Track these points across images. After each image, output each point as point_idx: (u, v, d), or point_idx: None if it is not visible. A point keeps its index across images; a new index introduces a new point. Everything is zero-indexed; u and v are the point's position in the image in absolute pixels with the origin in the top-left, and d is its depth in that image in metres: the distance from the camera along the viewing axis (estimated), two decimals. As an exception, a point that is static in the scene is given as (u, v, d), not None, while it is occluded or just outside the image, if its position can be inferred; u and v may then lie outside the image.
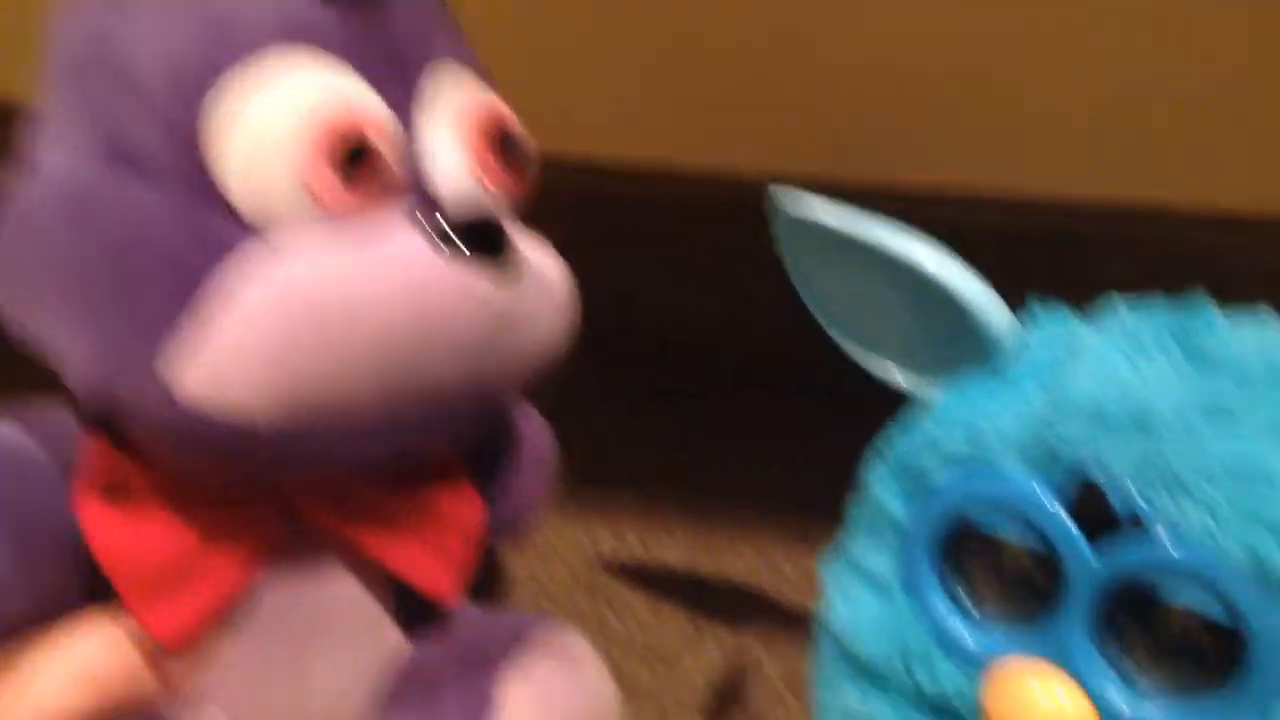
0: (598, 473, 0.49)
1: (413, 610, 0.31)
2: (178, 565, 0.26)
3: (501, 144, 0.28)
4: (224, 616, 0.27)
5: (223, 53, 0.24)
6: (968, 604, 0.25)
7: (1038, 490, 0.23)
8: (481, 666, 0.30)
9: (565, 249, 0.30)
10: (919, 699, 0.25)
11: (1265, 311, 0.25)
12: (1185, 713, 0.22)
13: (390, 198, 0.26)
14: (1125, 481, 0.22)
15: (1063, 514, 0.23)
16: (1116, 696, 0.23)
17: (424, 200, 0.26)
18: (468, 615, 0.32)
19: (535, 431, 0.36)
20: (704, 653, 0.39)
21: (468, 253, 0.25)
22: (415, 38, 0.27)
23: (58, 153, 0.25)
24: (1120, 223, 0.51)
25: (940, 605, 0.25)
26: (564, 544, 0.45)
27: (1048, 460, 0.23)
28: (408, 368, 0.25)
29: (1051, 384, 0.24)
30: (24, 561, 0.25)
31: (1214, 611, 0.22)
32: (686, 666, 0.39)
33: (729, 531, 0.45)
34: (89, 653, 0.26)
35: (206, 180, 0.24)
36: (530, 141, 0.29)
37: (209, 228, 0.24)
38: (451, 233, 0.25)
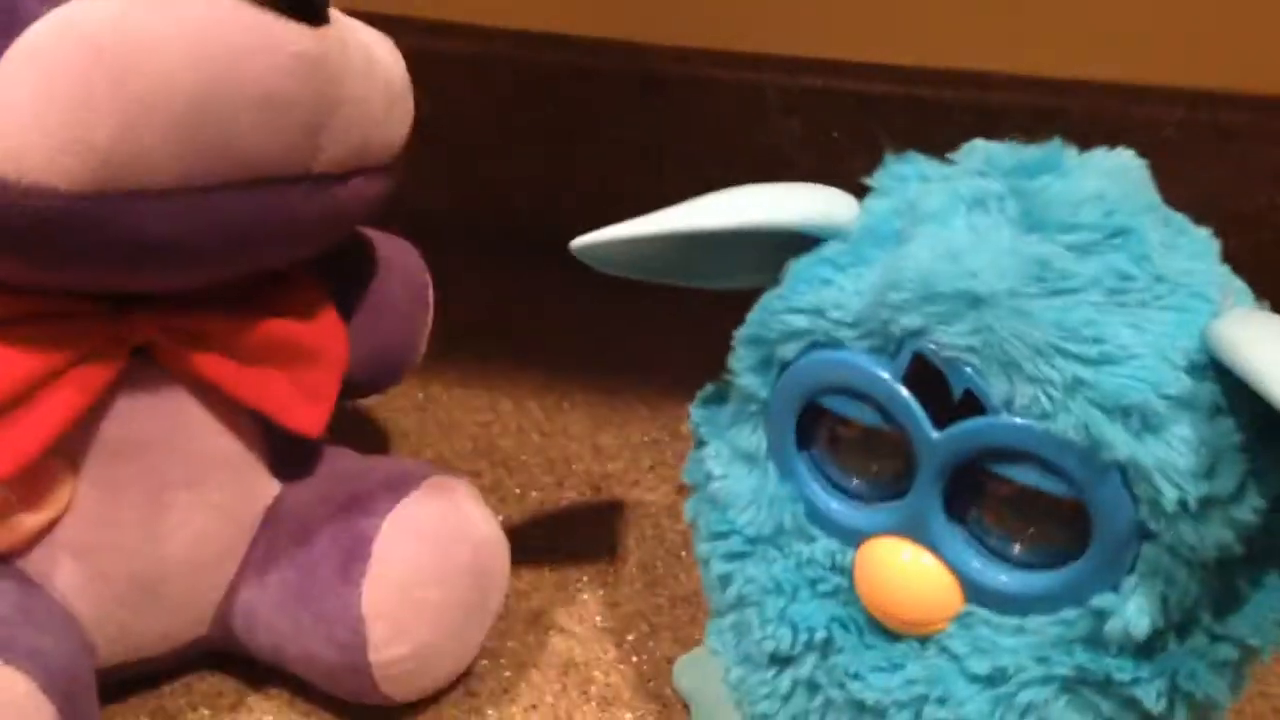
0: (499, 343, 0.50)
1: (284, 451, 0.31)
2: (10, 392, 0.25)
3: None
4: (65, 451, 0.27)
5: None
6: (838, 478, 0.26)
7: (876, 368, 0.23)
8: (358, 506, 0.30)
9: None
10: (800, 569, 0.26)
11: (1119, 157, 0.24)
12: (1038, 580, 0.23)
13: None
14: (959, 360, 0.22)
15: (902, 392, 0.23)
16: (973, 565, 0.23)
17: None
18: (345, 457, 0.32)
19: (408, 264, 0.35)
20: (606, 518, 0.41)
21: (274, 4, 0.24)
22: None
23: None
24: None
25: (810, 482, 0.26)
26: (465, 413, 0.45)
27: (885, 338, 0.23)
28: (212, 118, 0.24)
29: (890, 257, 0.23)
30: None
31: (1055, 487, 0.22)
32: (587, 534, 0.40)
33: (629, 398, 0.45)
34: None
35: None
36: None
37: None
38: None
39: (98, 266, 0.25)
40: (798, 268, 0.25)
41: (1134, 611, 0.22)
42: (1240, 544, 0.21)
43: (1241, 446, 0.21)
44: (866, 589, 0.25)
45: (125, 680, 0.31)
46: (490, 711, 0.32)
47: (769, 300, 0.25)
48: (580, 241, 0.27)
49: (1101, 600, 0.22)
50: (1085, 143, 0.25)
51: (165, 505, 0.29)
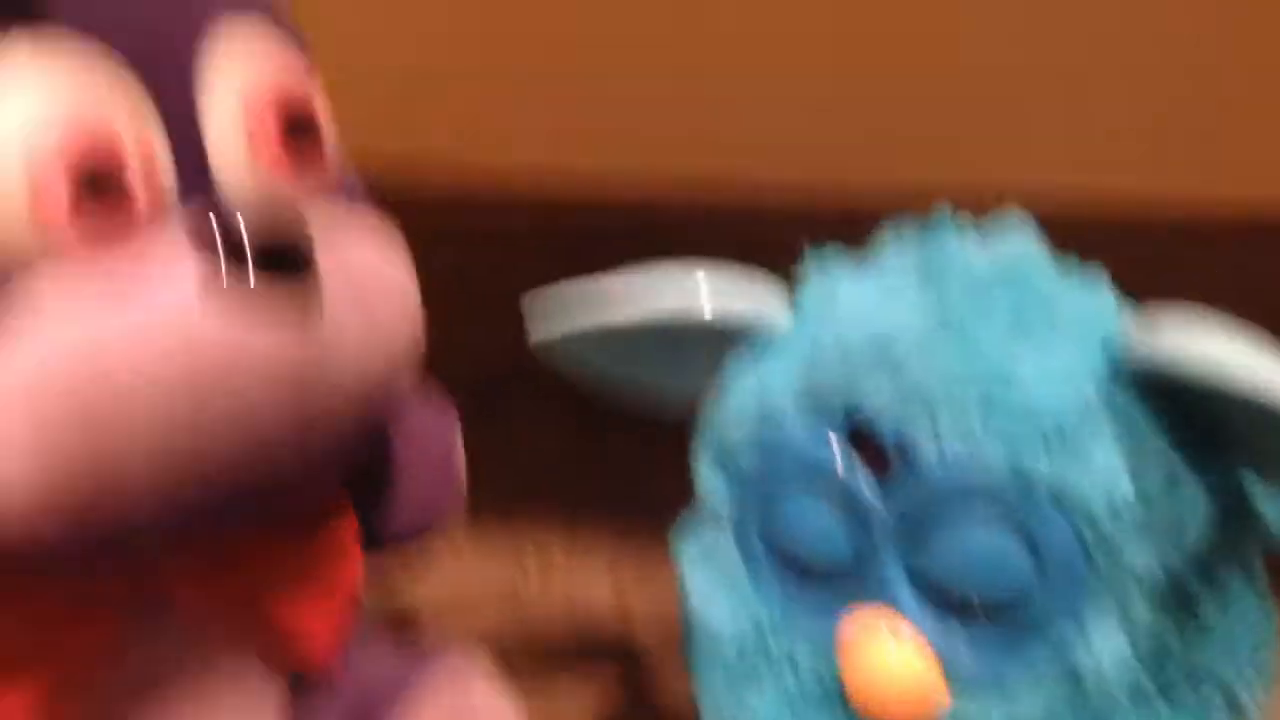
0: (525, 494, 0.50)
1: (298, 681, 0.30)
2: (10, 666, 0.24)
3: (293, 128, 0.24)
4: (71, 702, 0.25)
5: None
6: (809, 576, 0.25)
7: (815, 444, 0.24)
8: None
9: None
10: (785, 685, 0.25)
11: (1015, 222, 0.25)
12: (1007, 635, 0.22)
13: (157, 217, 0.22)
14: (884, 415, 0.23)
15: (840, 462, 0.24)
16: (935, 630, 0.23)
17: (204, 227, 0.22)
18: (355, 663, 0.31)
19: (430, 426, 0.33)
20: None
21: (253, 288, 0.22)
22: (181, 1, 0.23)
23: None
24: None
25: (782, 584, 0.25)
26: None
27: (820, 412, 0.24)
28: (190, 440, 0.22)
29: (815, 336, 0.25)
30: None
31: (999, 527, 0.22)
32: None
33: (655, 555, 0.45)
34: None
35: None
36: (327, 115, 0.25)
37: None
38: (234, 266, 0.22)
39: (88, 563, 0.24)
40: (737, 368, 0.26)
41: (1107, 658, 0.21)
42: (1191, 564, 0.21)
43: (1171, 465, 0.21)
44: (853, 686, 0.24)
45: None
46: None
47: (716, 403, 0.27)
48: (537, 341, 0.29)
49: (1073, 656, 0.22)
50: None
51: None
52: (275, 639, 0.28)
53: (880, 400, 0.23)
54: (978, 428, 0.22)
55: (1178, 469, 0.21)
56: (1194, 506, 0.21)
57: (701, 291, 0.27)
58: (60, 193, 0.21)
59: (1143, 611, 0.21)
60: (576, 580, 0.45)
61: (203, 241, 0.22)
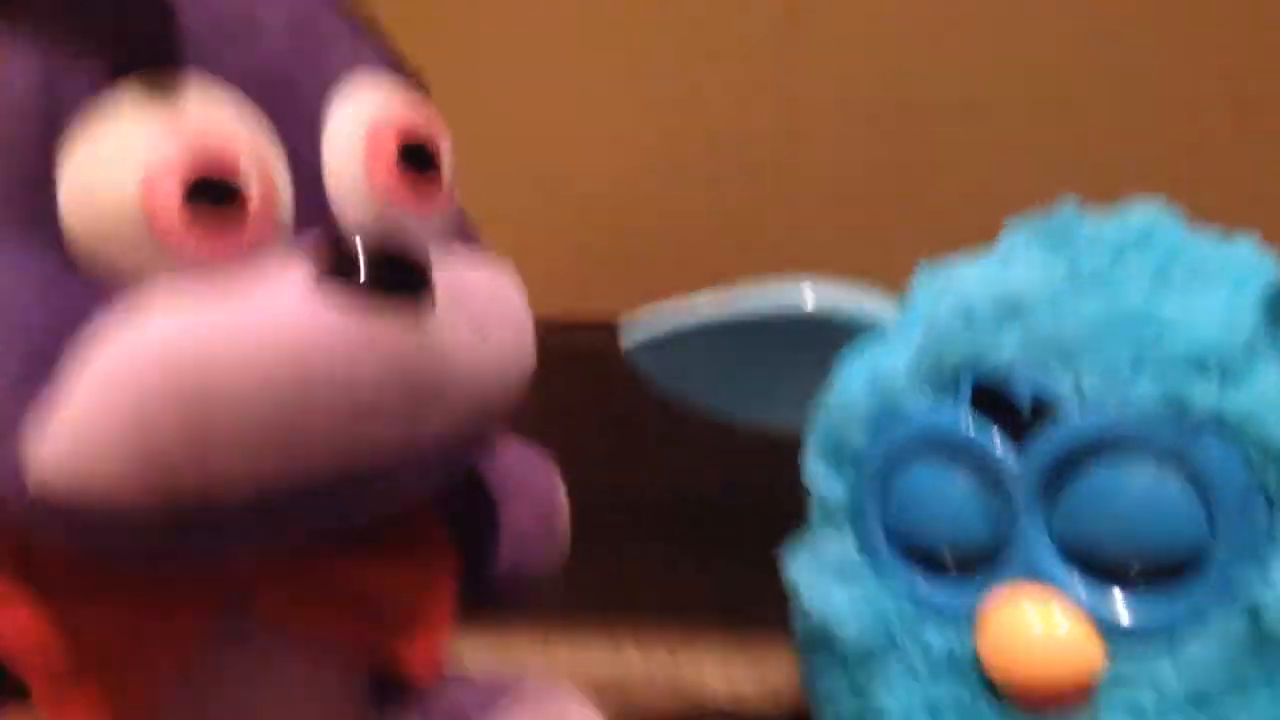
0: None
1: (388, 686, 0.28)
2: (94, 655, 0.23)
3: (410, 153, 0.24)
4: (155, 711, 0.24)
5: (67, 89, 0.21)
6: (938, 562, 0.24)
7: (941, 412, 0.23)
8: None
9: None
10: (916, 674, 0.23)
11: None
12: (1175, 597, 0.21)
13: (272, 240, 0.22)
14: (1015, 370, 0.22)
15: (969, 422, 0.22)
16: (1097, 599, 0.21)
17: (318, 239, 0.23)
18: (447, 682, 0.29)
19: (534, 478, 0.33)
20: None
21: (368, 291, 0.22)
22: (311, 50, 0.24)
23: None
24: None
25: (909, 570, 0.24)
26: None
27: (942, 379, 0.23)
28: (291, 431, 0.22)
29: (930, 315, 0.24)
30: None
31: (1159, 473, 0.20)
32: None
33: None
34: None
35: (53, 234, 0.22)
36: (446, 145, 0.26)
37: (59, 290, 0.21)
38: (346, 268, 0.22)
39: (185, 559, 0.24)
40: (847, 359, 0.25)
41: None
42: None
43: None
44: (997, 662, 0.22)
45: None
46: None
47: (827, 396, 0.26)
48: (635, 334, 0.28)
49: (1249, 588, 0.20)
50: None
51: None
52: (362, 656, 0.27)
53: (1011, 355, 0.22)
54: (1125, 369, 0.21)
55: None
56: None
57: (804, 290, 0.27)
58: (174, 202, 0.21)
59: None
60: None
61: (316, 250, 0.22)
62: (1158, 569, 0.21)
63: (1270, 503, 0.20)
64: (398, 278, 0.22)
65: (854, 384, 0.25)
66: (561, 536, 0.33)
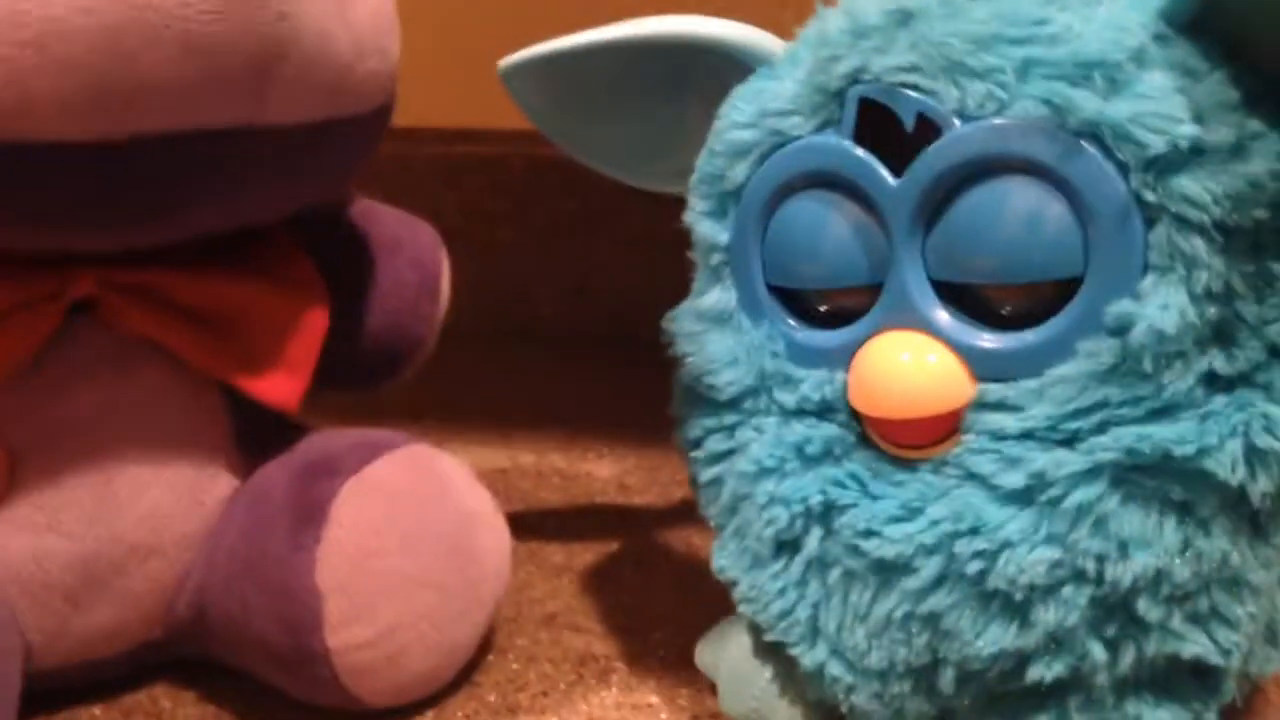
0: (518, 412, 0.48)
1: (255, 428, 0.28)
2: None
3: None
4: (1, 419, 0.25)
5: None
6: (815, 308, 0.23)
7: (825, 137, 0.21)
8: (320, 468, 0.27)
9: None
10: (785, 417, 0.22)
11: None
12: (1050, 326, 0.19)
13: None
14: (902, 84, 0.20)
15: (850, 147, 0.21)
16: (968, 335, 0.20)
17: None
18: (325, 433, 0.29)
19: (420, 244, 0.33)
20: (630, 534, 0.37)
21: None
22: None
23: None
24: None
25: (784, 316, 0.23)
26: (480, 461, 0.42)
27: (823, 100, 0.21)
28: (108, 62, 0.21)
29: (819, 32, 0.22)
30: None
31: (1039, 188, 0.19)
32: (608, 549, 0.36)
33: (658, 452, 0.42)
34: None
35: None
36: None
37: None
38: None
39: (8, 225, 0.23)
40: (734, 93, 0.23)
41: (1156, 308, 0.18)
42: (1259, 207, 0.18)
43: (1233, 105, 0.18)
44: (864, 402, 0.21)
45: (55, 691, 0.27)
46: (492, 698, 0.27)
47: (711, 135, 0.24)
48: (509, 60, 0.26)
49: (1119, 309, 0.19)
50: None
51: (115, 484, 0.26)
52: (224, 363, 0.26)
53: (898, 62, 0.20)
54: (1011, 81, 0.19)
55: (1244, 115, 0.18)
56: (1260, 144, 0.18)
57: (694, 19, 0.24)
58: None
59: (1208, 269, 0.18)
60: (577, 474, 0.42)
61: None
62: (1030, 308, 0.20)
63: (1147, 223, 0.18)
64: None
65: (738, 116, 0.23)
66: (439, 302, 0.33)
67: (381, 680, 0.26)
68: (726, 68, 0.24)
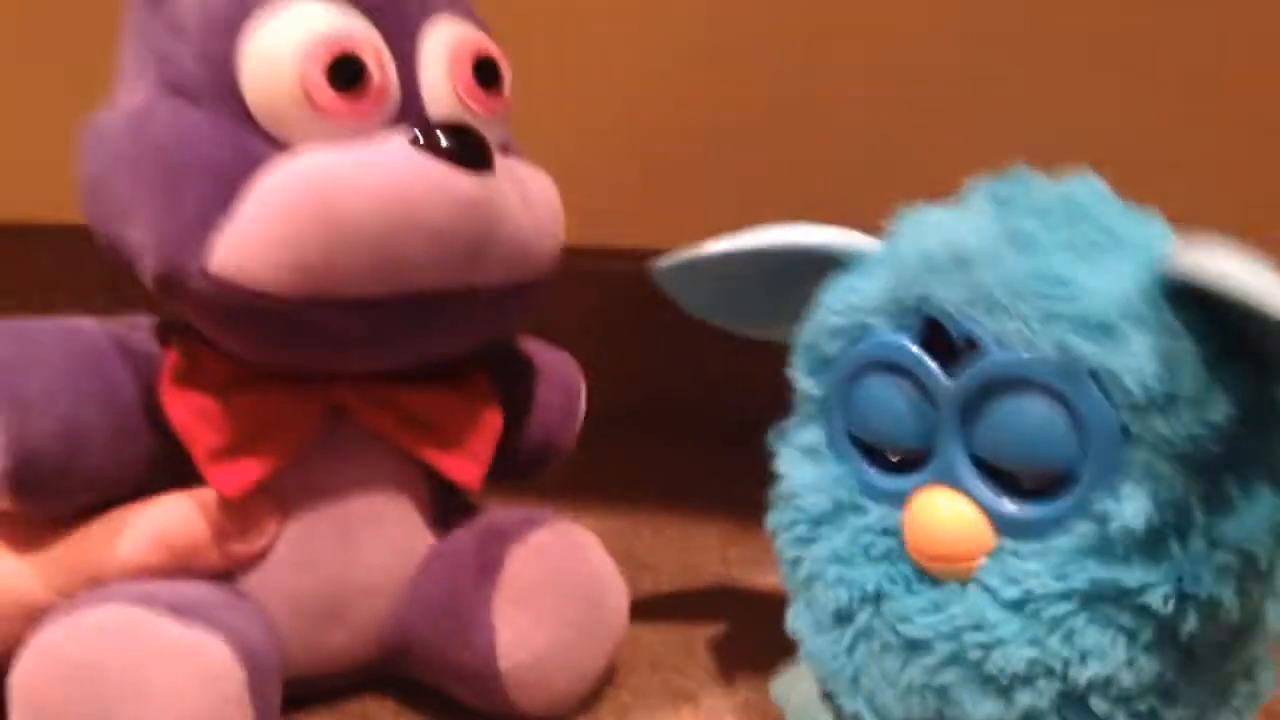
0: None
1: (448, 501, 0.37)
2: (240, 434, 0.32)
3: (481, 68, 0.33)
4: (274, 491, 0.33)
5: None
6: (883, 456, 0.30)
7: (897, 336, 0.29)
8: (497, 533, 0.36)
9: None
10: (855, 534, 0.30)
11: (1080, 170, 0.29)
12: (1051, 504, 0.26)
13: (384, 115, 0.31)
14: (957, 312, 0.27)
15: (915, 350, 0.28)
16: (996, 500, 0.27)
17: (414, 117, 0.32)
18: (494, 509, 0.38)
19: (564, 371, 0.42)
20: (732, 598, 0.45)
21: (448, 155, 0.30)
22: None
23: (127, 92, 0.32)
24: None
25: (860, 461, 0.30)
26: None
27: (900, 311, 0.29)
28: (393, 246, 0.30)
29: (898, 255, 0.29)
30: (104, 432, 0.31)
31: (1048, 405, 0.26)
32: (712, 607, 0.44)
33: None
34: (166, 518, 0.32)
35: (239, 103, 0.30)
36: (507, 70, 0.35)
37: (241, 141, 0.30)
38: (434, 138, 0.30)
39: (307, 351, 0.32)
40: (832, 284, 0.31)
41: (1131, 511, 0.25)
42: (1216, 443, 0.25)
43: (1202, 360, 0.25)
44: (913, 537, 0.28)
45: (293, 697, 0.35)
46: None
47: (813, 313, 0.31)
48: (663, 262, 0.34)
49: (1102, 506, 0.26)
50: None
51: (353, 540, 0.35)
52: (432, 452, 0.35)
53: (952, 298, 0.27)
54: (1036, 323, 0.26)
55: (1208, 364, 0.25)
56: (1226, 400, 0.25)
57: (801, 229, 0.32)
58: (319, 79, 0.30)
59: (1171, 485, 0.25)
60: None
61: (414, 125, 0.32)
62: (1041, 483, 0.27)
63: (1127, 440, 0.25)
64: (468, 148, 0.31)
65: (834, 305, 0.30)
66: (578, 417, 0.42)
67: (537, 696, 0.35)
68: (828, 263, 0.32)
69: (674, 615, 0.43)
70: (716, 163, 0.65)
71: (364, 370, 0.34)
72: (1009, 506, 0.27)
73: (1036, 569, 0.26)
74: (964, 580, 0.27)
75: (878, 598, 0.29)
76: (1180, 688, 0.26)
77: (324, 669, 0.35)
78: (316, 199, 0.29)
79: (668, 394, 0.67)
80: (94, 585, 0.31)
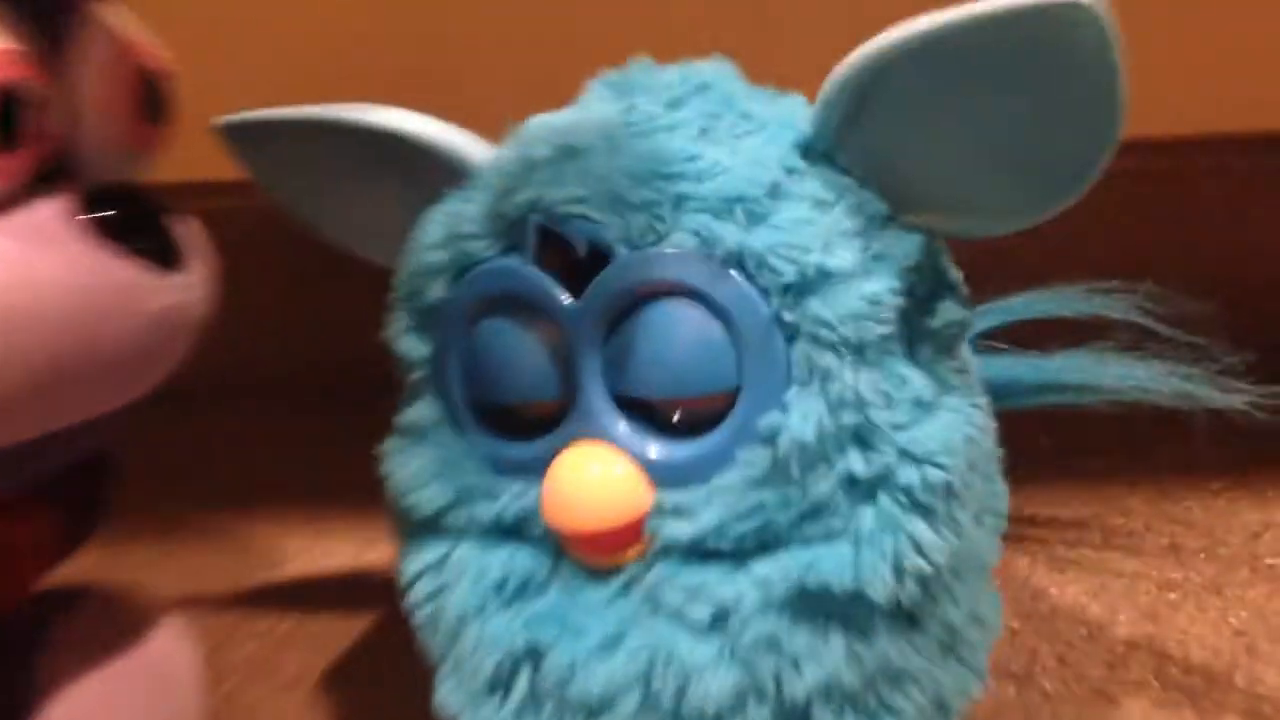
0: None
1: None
2: None
3: (149, 100, 0.25)
4: None
5: None
6: (515, 423, 0.23)
7: (504, 259, 0.22)
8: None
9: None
10: (490, 533, 0.23)
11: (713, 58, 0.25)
12: (710, 436, 0.21)
13: (42, 165, 0.22)
14: (571, 214, 0.21)
15: (528, 268, 0.22)
16: (642, 442, 0.21)
17: (75, 174, 0.23)
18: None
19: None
20: None
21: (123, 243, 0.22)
22: None
23: None
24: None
25: (487, 433, 0.23)
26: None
27: (507, 228, 0.22)
28: (63, 388, 0.22)
29: (497, 161, 0.23)
30: None
31: (696, 313, 0.21)
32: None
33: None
34: None
35: None
36: (173, 87, 0.26)
37: None
38: (108, 224, 0.22)
39: None
40: (426, 214, 0.24)
41: (798, 418, 0.20)
42: (884, 324, 0.21)
43: (856, 232, 0.21)
44: (552, 514, 0.22)
45: None
46: None
47: (407, 254, 0.24)
48: (227, 118, 0.27)
49: (768, 422, 0.20)
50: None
51: None
52: None
53: (563, 197, 0.21)
54: (667, 213, 0.21)
55: (866, 240, 0.21)
56: (890, 274, 0.21)
57: (399, 114, 0.25)
58: None
59: (841, 382, 0.20)
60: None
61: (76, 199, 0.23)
62: (697, 420, 0.21)
63: (788, 340, 0.20)
64: (149, 231, 0.23)
65: (433, 234, 0.24)
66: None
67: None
68: (435, 166, 0.25)
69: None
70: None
71: None
72: (660, 449, 0.21)
73: (708, 519, 0.21)
74: (631, 582, 0.21)
75: (530, 652, 0.22)
76: (909, 664, 0.21)
77: None
78: None
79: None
80: None
